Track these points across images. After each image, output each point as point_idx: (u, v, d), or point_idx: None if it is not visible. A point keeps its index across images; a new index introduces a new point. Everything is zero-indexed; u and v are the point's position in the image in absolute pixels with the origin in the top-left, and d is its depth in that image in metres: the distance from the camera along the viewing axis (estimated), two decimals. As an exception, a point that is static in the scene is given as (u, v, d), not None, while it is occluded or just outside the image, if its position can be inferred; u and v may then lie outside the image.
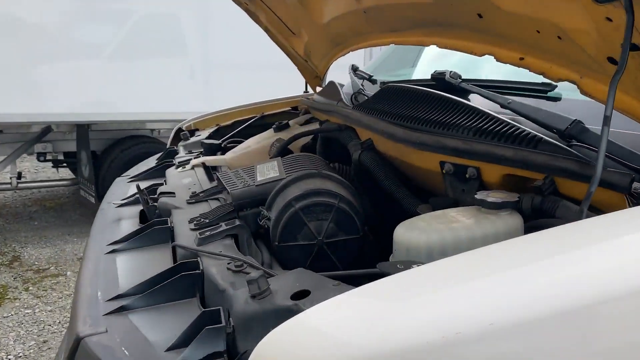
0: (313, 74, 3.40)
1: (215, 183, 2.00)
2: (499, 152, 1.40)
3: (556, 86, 1.63)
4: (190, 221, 1.64)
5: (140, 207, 1.99)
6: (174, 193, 1.95)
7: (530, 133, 1.40)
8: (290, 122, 2.79)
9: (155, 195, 1.95)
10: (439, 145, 1.56)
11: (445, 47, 1.81)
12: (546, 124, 1.44)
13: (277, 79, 4.92)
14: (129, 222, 1.89)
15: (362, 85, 2.62)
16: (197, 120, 3.42)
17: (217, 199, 1.85)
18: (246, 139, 2.74)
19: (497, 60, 1.59)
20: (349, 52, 2.77)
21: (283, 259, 1.54)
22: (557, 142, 1.34)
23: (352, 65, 2.89)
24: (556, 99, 1.63)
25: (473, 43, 1.68)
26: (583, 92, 1.34)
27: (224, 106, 3.51)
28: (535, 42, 1.42)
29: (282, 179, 1.69)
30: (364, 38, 2.44)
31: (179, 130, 3.35)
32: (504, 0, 1.38)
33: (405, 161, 1.78)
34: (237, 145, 2.75)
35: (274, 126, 2.73)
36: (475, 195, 1.31)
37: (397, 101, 1.97)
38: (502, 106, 1.64)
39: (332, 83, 2.97)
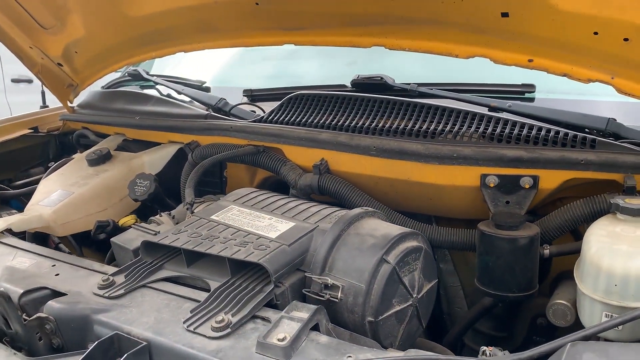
0: (65, 83, 2.54)
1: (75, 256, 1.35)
2: (575, 156, 1.34)
3: (534, 88, 1.66)
4: (189, 322, 1.02)
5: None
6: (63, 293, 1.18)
7: (583, 135, 1.39)
8: (105, 148, 2.02)
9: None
10: (490, 157, 1.39)
11: (409, 50, 1.61)
12: (580, 125, 1.45)
13: None
14: None
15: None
16: None
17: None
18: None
19: (495, 62, 1.51)
20: (161, 56, 2.18)
21: (380, 336, 1.12)
22: (612, 141, 1.37)
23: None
24: (531, 99, 1.66)
25: (456, 45, 1.54)
26: (621, 92, 1.40)
27: None
28: (566, 44, 1.40)
29: (318, 228, 1.22)
30: (220, 36, 1.94)
31: None
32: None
33: (405, 179, 1.52)
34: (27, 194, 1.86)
35: (90, 157, 1.93)
36: (614, 201, 1.22)
37: (347, 111, 1.67)
38: (497, 109, 1.57)
39: (123, 93, 2.31)
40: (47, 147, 2.64)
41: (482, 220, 1.40)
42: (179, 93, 2.20)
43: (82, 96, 2.59)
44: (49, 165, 2.52)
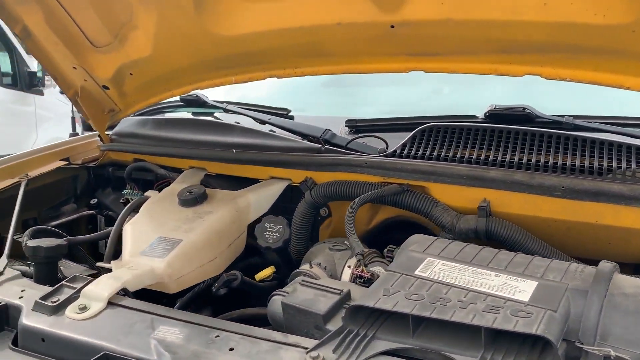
0: (105, 108, 2.24)
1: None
2: None
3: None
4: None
5: None
6: None
7: None
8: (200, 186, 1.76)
9: None
10: None
11: (570, 80, 1.49)
12: None
13: None
14: None
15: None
16: None
17: None
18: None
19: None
20: (243, 82, 1.94)
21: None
22: None
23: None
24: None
25: (628, 76, 1.44)
26: None
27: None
28: None
29: (569, 287, 1.05)
30: (328, 62, 1.74)
31: None
32: None
33: (592, 223, 1.37)
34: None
35: (185, 196, 1.66)
36: None
37: (499, 145, 1.52)
38: None
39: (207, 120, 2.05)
40: (76, 181, 2.31)
41: None
42: (263, 123, 1.96)
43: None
44: (91, 201, 2.21)
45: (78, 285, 1.32)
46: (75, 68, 2.06)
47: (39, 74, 7.09)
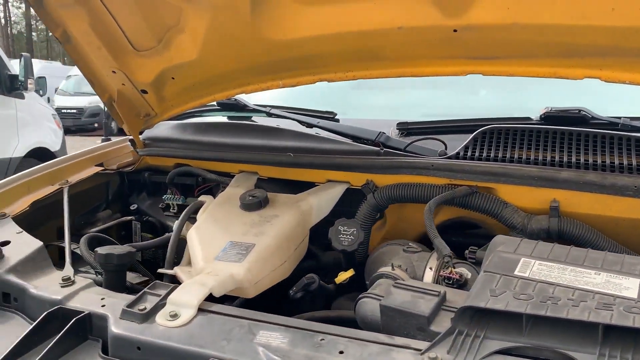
0: (141, 112, 2.21)
1: None
2: None
3: None
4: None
5: None
6: None
7: None
8: (261, 191, 1.75)
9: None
10: None
11: (630, 83, 1.53)
12: None
13: None
14: None
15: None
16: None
17: None
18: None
19: None
20: (292, 85, 1.93)
21: None
22: None
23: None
24: None
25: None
26: None
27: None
28: None
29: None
30: (384, 65, 1.76)
31: None
32: None
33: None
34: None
35: (248, 201, 1.65)
36: None
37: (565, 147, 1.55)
38: None
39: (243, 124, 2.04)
40: (108, 187, 2.28)
41: None
42: (310, 126, 1.96)
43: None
44: (131, 207, 2.18)
45: (161, 292, 1.31)
46: (114, 72, 2.03)
47: (21, 78, 6.95)
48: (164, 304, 1.27)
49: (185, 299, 1.26)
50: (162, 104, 2.16)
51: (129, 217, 2.11)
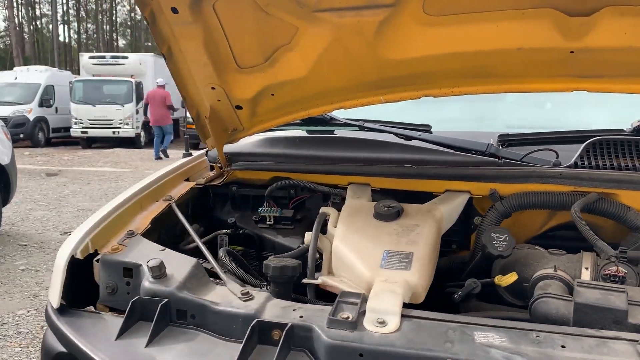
0: (230, 127, 2.24)
1: None
2: None
3: None
4: None
5: None
6: None
7: None
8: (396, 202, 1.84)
9: None
10: None
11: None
12: None
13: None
14: None
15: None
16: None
17: None
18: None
19: None
20: (393, 101, 2.04)
21: None
22: None
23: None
24: None
25: None
26: None
27: None
28: None
29: None
30: (489, 82, 1.89)
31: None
32: None
33: None
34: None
35: (384, 211, 1.74)
36: None
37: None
38: None
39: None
40: (195, 201, 2.29)
41: None
42: (408, 139, 2.07)
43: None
44: (228, 220, 2.20)
45: (354, 301, 1.37)
46: (214, 88, 2.06)
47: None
48: (364, 312, 1.33)
49: (385, 306, 1.33)
50: (252, 119, 2.20)
51: (224, 231, 2.14)
